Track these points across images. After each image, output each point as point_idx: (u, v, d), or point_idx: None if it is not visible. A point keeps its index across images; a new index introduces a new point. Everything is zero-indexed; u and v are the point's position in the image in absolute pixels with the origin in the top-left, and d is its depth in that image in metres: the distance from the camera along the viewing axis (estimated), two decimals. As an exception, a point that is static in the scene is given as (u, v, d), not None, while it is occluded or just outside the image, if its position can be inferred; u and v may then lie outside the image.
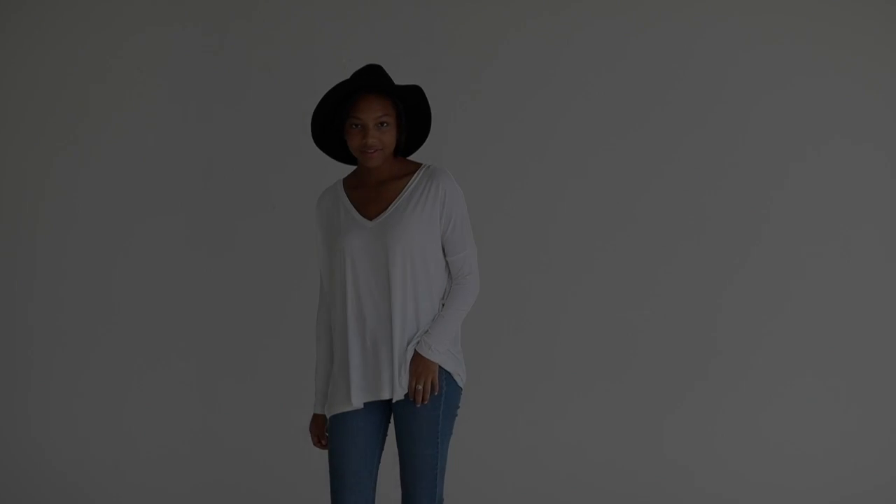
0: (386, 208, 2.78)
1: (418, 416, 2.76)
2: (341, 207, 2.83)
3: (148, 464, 4.04)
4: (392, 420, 2.85)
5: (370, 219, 2.78)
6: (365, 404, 2.79)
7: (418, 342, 2.77)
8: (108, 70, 3.97)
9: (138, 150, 3.98)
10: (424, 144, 2.94)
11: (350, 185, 2.88)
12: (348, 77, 2.78)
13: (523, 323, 3.89)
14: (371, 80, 2.74)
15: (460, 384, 2.84)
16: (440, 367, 2.77)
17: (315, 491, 3.98)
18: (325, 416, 2.89)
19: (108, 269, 4.01)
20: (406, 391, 2.76)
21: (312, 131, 2.83)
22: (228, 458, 4.02)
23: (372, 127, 2.71)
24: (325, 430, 2.89)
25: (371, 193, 2.82)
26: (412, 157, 2.94)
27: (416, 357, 2.77)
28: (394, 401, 2.78)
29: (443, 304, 2.84)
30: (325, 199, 2.89)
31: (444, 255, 2.84)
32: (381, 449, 2.86)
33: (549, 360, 3.89)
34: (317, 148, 2.90)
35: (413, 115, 2.83)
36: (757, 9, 3.76)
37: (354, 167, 2.92)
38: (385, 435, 2.87)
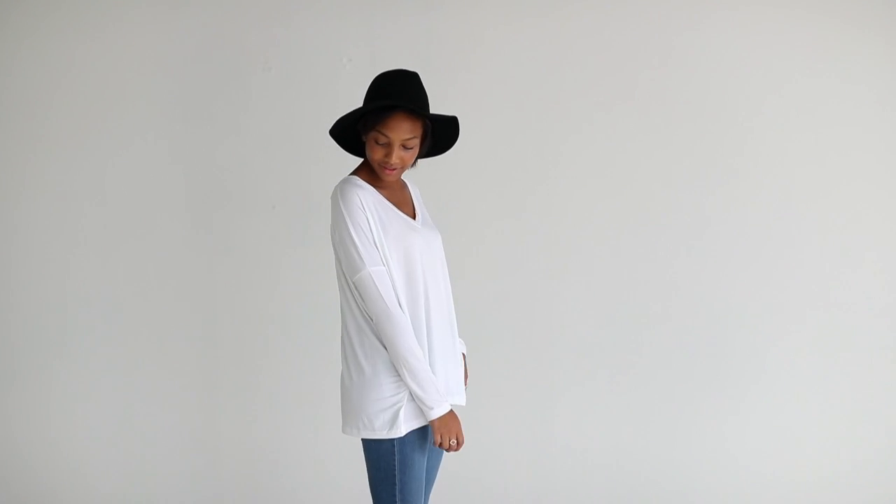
0: (415, 211, 2.75)
1: None
2: (386, 205, 2.66)
3: (148, 465, 4.03)
4: None
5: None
6: None
7: (460, 343, 2.81)
8: (107, 70, 3.96)
9: (138, 149, 3.97)
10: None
11: (373, 182, 2.69)
12: (380, 72, 2.68)
13: (528, 324, 3.89)
14: (411, 101, 2.58)
15: None
16: None
17: (316, 492, 3.98)
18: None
19: (107, 269, 4.01)
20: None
21: (336, 128, 2.65)
22: (229, 459, 4.01)
23: (397, 147, 2.58)
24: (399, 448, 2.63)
25: (399, 196, 2.74)
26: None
27: (463, 358, 2.81)
28: (464, 404, 2.74)
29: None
30: (366, 191, 2.62)
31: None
32: None
33: (549, 361, 3.90)
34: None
35: (439, 139, 2.72)
36: (760, 9, 3.77)
37: (361, 160, 2.78)
38: None
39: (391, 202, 2.68)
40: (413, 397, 2.57)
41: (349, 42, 3.86)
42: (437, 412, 2.56)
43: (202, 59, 3.93)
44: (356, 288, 2.58)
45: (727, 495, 3.85)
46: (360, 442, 2.64)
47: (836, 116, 3.75)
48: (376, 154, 2.61)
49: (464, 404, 2.72)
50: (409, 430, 2.58)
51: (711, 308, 3.82)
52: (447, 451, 2.60)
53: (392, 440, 2.58)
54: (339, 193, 2.60)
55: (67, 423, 4.06)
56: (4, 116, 4.01)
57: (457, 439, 2.58)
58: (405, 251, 2.61)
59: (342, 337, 2.66)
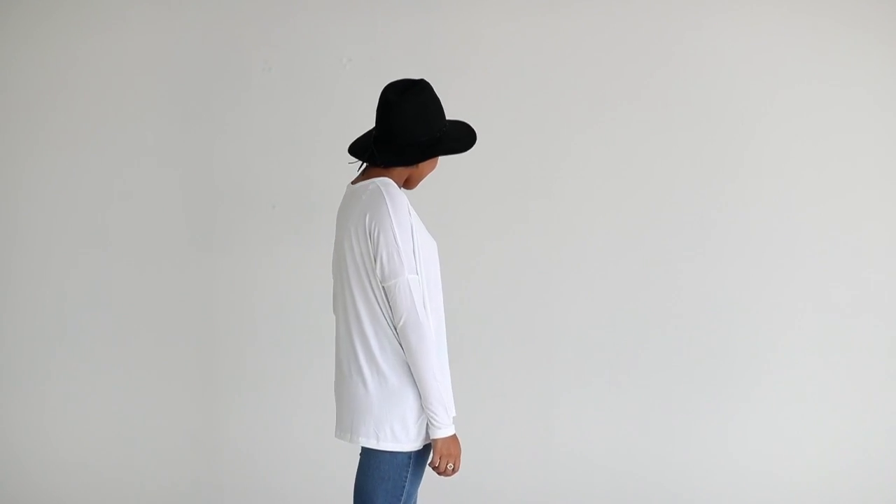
0: None
1: None
2: (417, 216, 2.65)
3: (147, 465, 4.03)
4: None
5: None
6: None
7: None
8: (106, 70, 3.96)
9: (137, 149, 3.97)
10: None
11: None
12: (389, 80, 2.68)
13: (529, 325, 3.88)
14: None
15: None
16: None
17: (315, 492, 3.98)
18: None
19: (106, 268, 4.00)
20: None
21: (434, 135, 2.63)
22: (228, 460, 4.01)
23: None
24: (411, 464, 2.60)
25: None
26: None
27: None
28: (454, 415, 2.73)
29: None
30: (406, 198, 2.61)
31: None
32: None
33: (550, 362, 3.89)
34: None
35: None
36: (765, 10, 3.76)
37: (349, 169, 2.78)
38: None
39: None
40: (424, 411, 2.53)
41: (349, 42, 3.86)
42: (443, 433, 2.52)
43: (202, 59, 3.93)
44: (389, 292, 2.48)
45: (728, 496, 3.85)
46: (361, 450, 2.59)
47: (839, 121, 3.74)
48: (433, 167, 2.68)
49: (454, 414, 2.65)
50: (426, 443, 2.55)
51: (712, 310, 3.82)
52: (441, 474, 2.55)
53: (409, 452, 2.54)
54: (386, 195, 2.50)
55: (65, 424, 4.05)
56: (4, 116, 4.01)
57: (454, 464, 2.54)
58: (432, 263, 2.58)
59: (355, 342, 2.55)
